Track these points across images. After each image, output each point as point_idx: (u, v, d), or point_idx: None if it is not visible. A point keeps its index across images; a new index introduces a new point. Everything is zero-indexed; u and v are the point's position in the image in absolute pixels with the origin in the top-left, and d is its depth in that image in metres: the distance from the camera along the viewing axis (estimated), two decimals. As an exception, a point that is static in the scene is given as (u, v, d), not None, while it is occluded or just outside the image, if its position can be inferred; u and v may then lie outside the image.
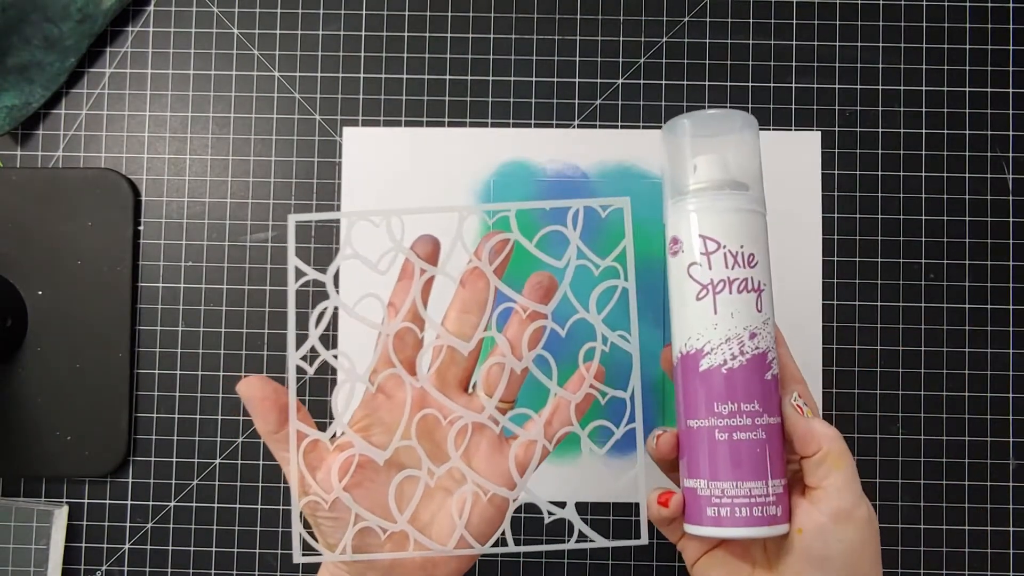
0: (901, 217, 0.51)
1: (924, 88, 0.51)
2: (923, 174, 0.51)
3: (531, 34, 0.52)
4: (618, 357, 0.50)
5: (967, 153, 0.51)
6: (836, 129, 0.51)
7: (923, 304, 0.51)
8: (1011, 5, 0.52)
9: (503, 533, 0.36)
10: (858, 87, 0.51)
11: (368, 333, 0.37)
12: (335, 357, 0.35)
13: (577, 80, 0.52)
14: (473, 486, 0.36)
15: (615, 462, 0.50)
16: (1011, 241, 0.51)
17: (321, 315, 0.35)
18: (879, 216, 0.51)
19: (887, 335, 0.51)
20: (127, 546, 0.50)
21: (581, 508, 0.50)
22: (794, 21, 0.52)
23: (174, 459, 0.51)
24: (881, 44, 0.52)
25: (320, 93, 0.52)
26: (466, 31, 0.52)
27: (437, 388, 0.37)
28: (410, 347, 0.37)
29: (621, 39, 0.52)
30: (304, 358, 0.35)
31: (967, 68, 0.52)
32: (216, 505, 0.50)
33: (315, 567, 0.37)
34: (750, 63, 0.51)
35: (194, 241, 0.51)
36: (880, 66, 0.52)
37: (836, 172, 0.51)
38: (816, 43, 0.52)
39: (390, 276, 0.37)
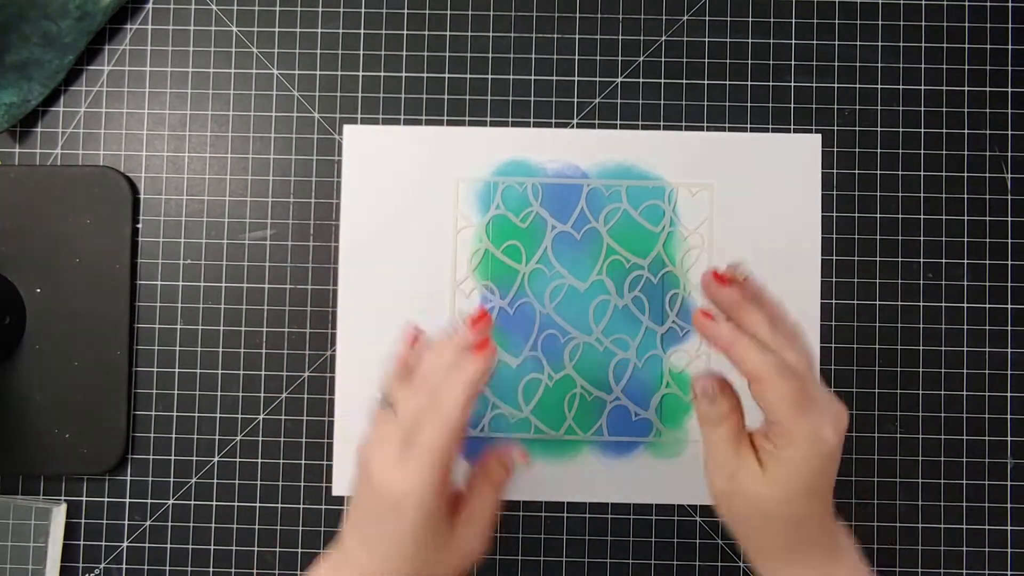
0: (900, 216, 0.51)
1: (923, 87, 0.52)
2: (922, 173, 0.51)
3: (530, 32, 0.52)
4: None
5: (966, 152, 0.51)
6: (835, 129, 0.51)
7: (922, 303, 0.51)
8: (1010, 5, 0.52)
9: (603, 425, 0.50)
10: (857, 87, 0.51)
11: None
12: (487, 288, 0.50)
13: (576, 79, 0.51)
14: (580, 388, 0.50)
15: (615, 462, 0.50)
16: (1010, 240, 0.51)
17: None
18: (878, 215, 0.51)
19: (885, 334, 0.51)
20: (125, 544, 0.50)
21: (579, 507, 0.50)
22: (793, 20, 0.52)
23: (172, 457, 0.50)
24: (880, 44, 0.52)
25: (319, 91, 0.52)
26: (465, 29, 0.52)
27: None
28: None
29: (620, 38, 0.52)
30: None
31: (966, 67, 0.52)
32: (214, 503, 0.50)
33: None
34: (749, 62, 0.51)
35: (193, 239, 0.51)
36: (879, 66, 0.52)
37: (835, 172, 0.51)
38: (815, 43, 0.52)
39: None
